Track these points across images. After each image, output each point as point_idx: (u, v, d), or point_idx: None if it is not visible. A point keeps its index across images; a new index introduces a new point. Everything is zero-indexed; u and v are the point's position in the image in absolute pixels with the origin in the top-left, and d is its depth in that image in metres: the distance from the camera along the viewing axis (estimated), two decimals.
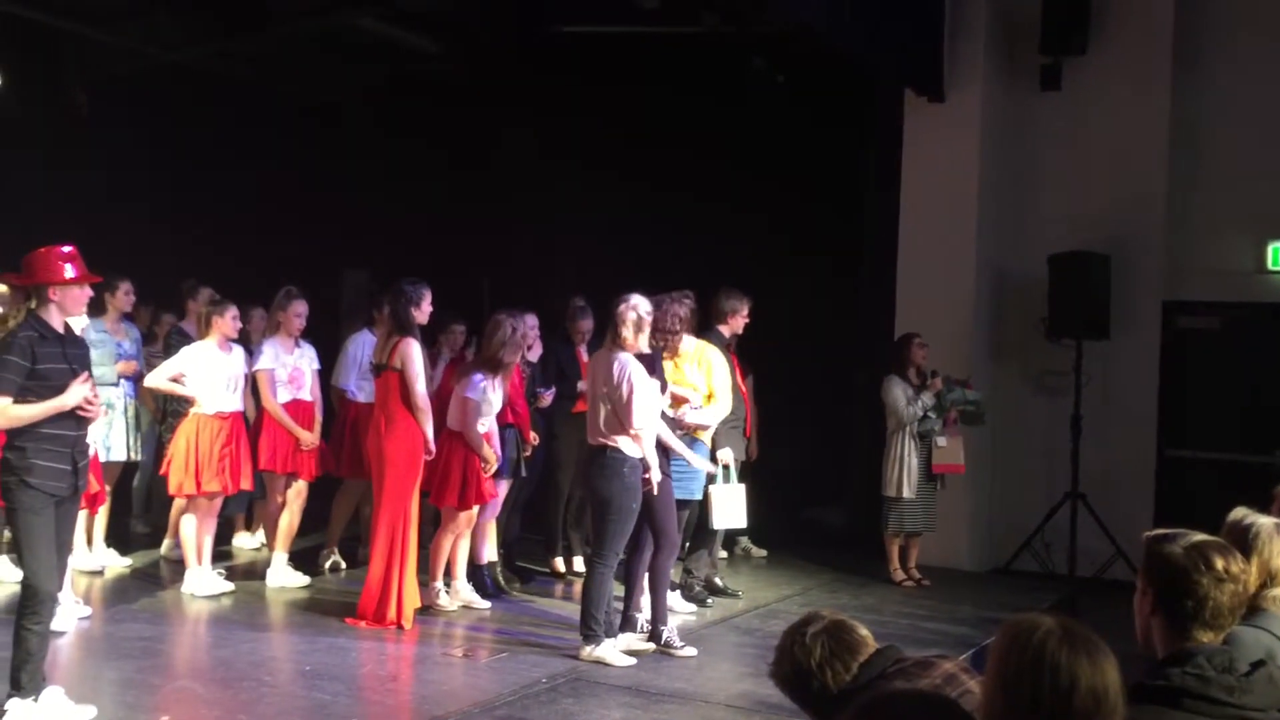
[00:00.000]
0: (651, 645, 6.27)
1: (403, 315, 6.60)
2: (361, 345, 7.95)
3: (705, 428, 6.95)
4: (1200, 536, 2.58)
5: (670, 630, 6.34)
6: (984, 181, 9.31)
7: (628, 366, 5.96)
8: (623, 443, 5.96)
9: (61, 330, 4.85)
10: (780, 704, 5.46)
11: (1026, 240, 9.32)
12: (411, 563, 6.57)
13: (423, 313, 6.72)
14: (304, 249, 10.65)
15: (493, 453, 6.93)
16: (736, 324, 7.55)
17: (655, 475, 6.10)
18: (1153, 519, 8.20)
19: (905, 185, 9.45)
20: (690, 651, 6.26)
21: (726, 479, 7.24)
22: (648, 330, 6.10)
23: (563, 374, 7.98)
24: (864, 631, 2.79)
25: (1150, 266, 9.04)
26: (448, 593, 7.05)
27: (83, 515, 6.95)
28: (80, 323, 6.24)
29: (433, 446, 6.64)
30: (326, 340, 8.18)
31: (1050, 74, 9.23)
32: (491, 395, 6.91)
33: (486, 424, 6.97)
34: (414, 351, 6.52)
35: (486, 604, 7.17)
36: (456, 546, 7.14)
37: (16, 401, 4.64)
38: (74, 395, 4.72)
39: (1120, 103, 9.07)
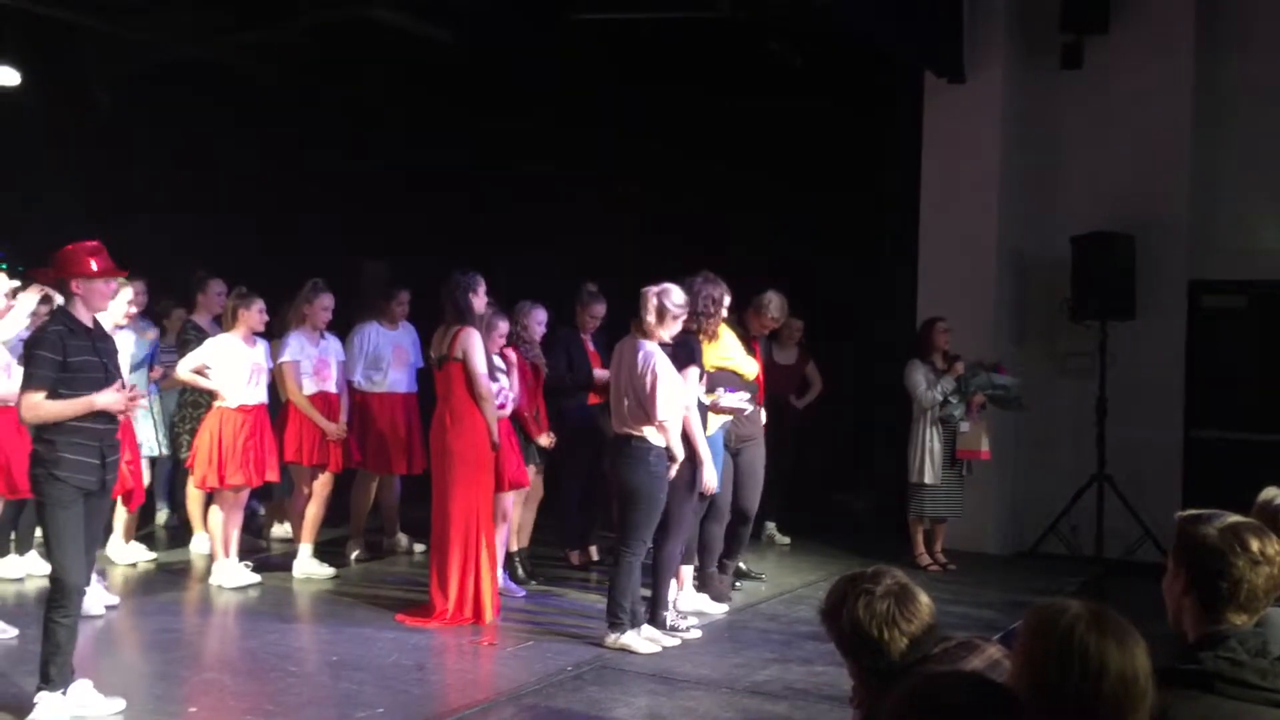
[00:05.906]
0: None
1: (462, 304, 6.52)
2: (368, 337, 7.97)
3: (740, 411, 6.84)
4: (1234, 518, 2.55)
5: (672, 614, 6.34)
6: (1005, 162, 9.23)
7: (653, 356, 5.91)
8: (648, 432, 5.93)
9: (90, 325, 4.88)
10: (805, 690, 5.50)
11: (1049, 221, 9.24)
12: (491, 559, 6.49)
13: (480, 299, 6.67)
14: (323, 241, 10.66)
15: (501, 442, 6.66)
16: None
17: (709, 474, 6.11)
18: (1180, 500, 8.12)
19: (926, 168, 9.38)
20: (696, 634, 6.29)
21: None
22: (674, 321, 6.00)
23: (571, 363, 7.85)
24: (925, 600, 2.67)
25: (1175, 246, 8.95)
26: None
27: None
28: (114, 316, 6.25)
29: (497, 438, 6.55)
30: (344, 332, 8.15)
31: (1072, 52, 9.13)
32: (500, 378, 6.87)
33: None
34: (475, 340, 6.47)
35: (522, 592, 7.19)
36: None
37: (49, 396, 4.68)
38: (106, 397, 4.76)
39: (1143, 80, 8.97)
